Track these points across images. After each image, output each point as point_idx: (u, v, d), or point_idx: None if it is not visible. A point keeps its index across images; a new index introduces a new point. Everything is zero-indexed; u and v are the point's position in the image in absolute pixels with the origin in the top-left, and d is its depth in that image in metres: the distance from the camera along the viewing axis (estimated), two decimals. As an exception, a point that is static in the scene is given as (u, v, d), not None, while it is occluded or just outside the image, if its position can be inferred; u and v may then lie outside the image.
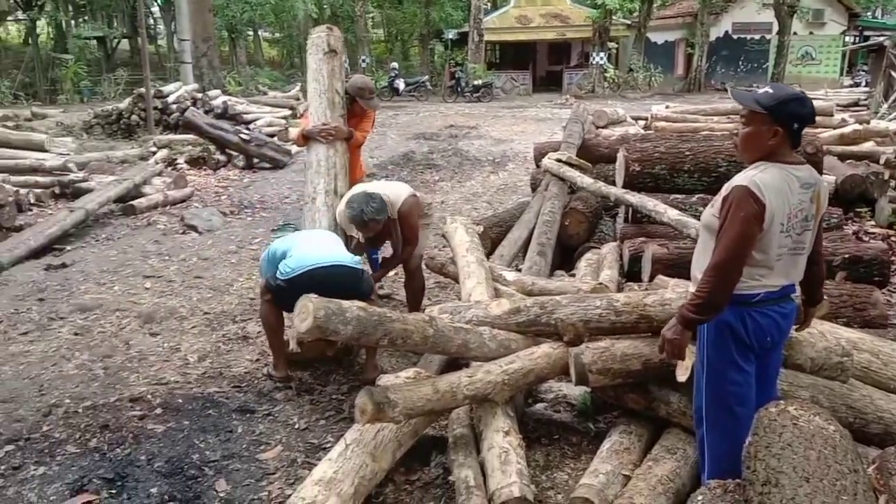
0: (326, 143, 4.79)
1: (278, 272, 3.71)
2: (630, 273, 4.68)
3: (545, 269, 4.60)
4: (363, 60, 29.18)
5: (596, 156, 6.61)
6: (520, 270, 4.61)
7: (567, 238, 5.37)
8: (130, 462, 3.15)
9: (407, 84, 25.58)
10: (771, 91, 2.40)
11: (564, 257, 5.35)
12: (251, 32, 32.61)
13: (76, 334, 4.66)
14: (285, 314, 3.90)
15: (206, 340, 4.57)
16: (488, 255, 4.84)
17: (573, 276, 4.77)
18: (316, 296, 2.91)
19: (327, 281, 3.55)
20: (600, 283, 3.99)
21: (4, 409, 3.67)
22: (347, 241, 4.47)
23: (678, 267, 4.25)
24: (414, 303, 4.69)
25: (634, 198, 4.92)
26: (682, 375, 2.88)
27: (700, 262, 2.49)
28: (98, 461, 3.17)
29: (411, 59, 36.86)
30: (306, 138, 4.87)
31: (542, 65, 31.76)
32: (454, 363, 3.68)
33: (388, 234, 4.55)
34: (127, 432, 3.39)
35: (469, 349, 3.11)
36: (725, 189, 2.41)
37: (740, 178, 2.37)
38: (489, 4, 31.59)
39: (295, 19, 29.66)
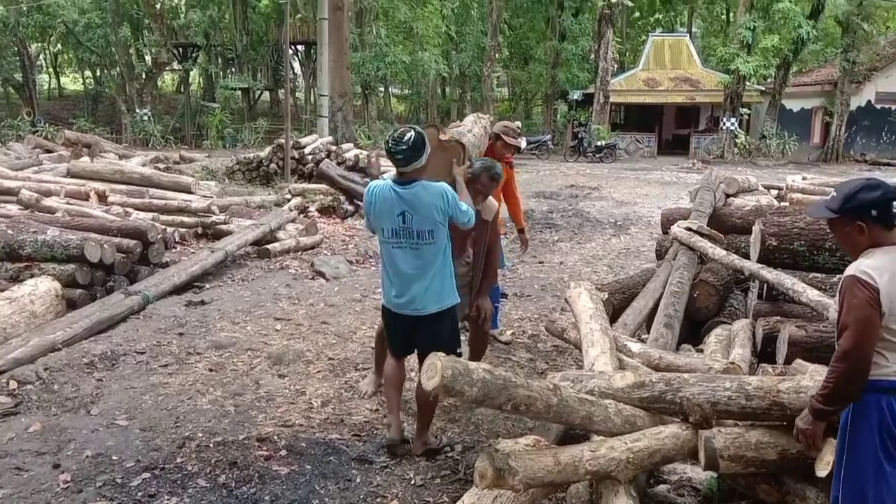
0: None
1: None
2: (763, 353, 4.45)
3: (672, 342, 4.46)
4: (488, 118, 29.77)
5: (728, 226, 6.40)
6: (644, 341, 4.49)
7: (695, 311, 5.19)
8: (255, 502, 3.28)
9: (529, 142, 25.84)
10: (836, 193, 2.45)
11: (691, 331, 5.16)
12: (382, 89, 34.09)
13: (211, 370, 4.94)
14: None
15: (329, 386, 4.72)
16: (611, 322, 4.75)
17: (701, 351, 4.59)
18: (444, 354, 2.96)
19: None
20: (732, 363, 3.82)
21: (143, 438, 3.92)
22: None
23: (817, 351, 4.01)
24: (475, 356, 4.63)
25: (771, 274, 4.71)
26: (821, 470, 2.70)
27: None
28: (226, 498, 3.32)
29: (534, 117, 37.29)
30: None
31: (669, 128, 31.30)
32: (570, 433, 3.62)
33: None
34: (254, 471, 3.53)
35: (593, 422, 3.05)
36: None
37: (848, 269, 2.38)
38: (616, 67, 31.63)
39: (425, 77, 30.78)
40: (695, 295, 5.21)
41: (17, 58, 29.82)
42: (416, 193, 3.55)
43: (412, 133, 3.50)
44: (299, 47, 31.01)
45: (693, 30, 38.28)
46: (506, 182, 5.43)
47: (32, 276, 6.01)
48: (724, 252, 5.41)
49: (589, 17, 31.81)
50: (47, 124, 24.46)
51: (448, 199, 3.58)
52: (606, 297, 5.10)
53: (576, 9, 31.87)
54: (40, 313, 5.53)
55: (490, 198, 4.44)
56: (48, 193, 9.45)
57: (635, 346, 4.06)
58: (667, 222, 6.71)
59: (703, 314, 5.23)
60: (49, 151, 15.78)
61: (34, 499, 3.29)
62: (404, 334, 3.85)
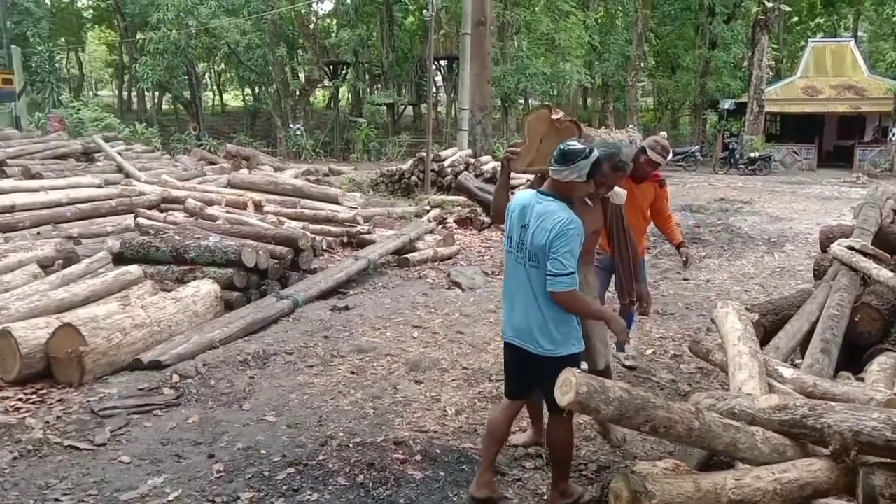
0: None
1: None
2: (936, 386, 4.04)
3: (829, 369, 4.14)
4: (630, 128, 29.11)
5: (896, 246, 5.87)
6: (797, 367, 4.20)
7: (855, 336, 4.78)
8: (391, 503, 3.36)
9: (675, 153, 24.93)
10: None
11: (851, 357, 4.76)
12: (522, 101, 34.17)
13: (352, 373, 5.13)
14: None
15: (463, 395, 4.77)
16: (761, 345, 4.48)
17: (861, 380, 4.23)
18: (579, 370, 2.91)
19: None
20: (898, 394, 3.49)
21: (289, 434, 4.13)
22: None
23: None
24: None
25: (947, 299, 4.27)
26: None
27: None
28: (363, 497, 3.44)
29: (680, 128, 36.00)
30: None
31: (830, 139, 29.14)
32: (713, 459, 3.44)
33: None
34: (390, 473, 3.63)
35: (738, 449, 2.89)
36: None
37: None
38: (772, 74, 29.93)
39: (566, 88, 30.56)
40: (856, 319, 4.80)
41: (186, 77, 32.62)
42: (542, 208, 3.20)
43: (577, 145, 3.19)
44: (442, 62, 31.72)
45: (859, 34, 35.53)
46: (655, 200, 5.18)
47: (195, 278, 6.52)
48: (890, 273, 4.97)
49: (742, 23, 30.35)
50: (211, 138, 26.49)
51: (556, 233, 3.09)
52: (757, 318, 4.82)
53: (728, 15, 30.51)
54: (201, 313, 5.98)
55: (616, 187, 4.00)
56: (210, 202, 10.24)
57: (787, 372, 3.81)
58: (826, 240, 6.25)
59: (864, 340, 4.80)
60: (212, 163, 17.11)
61: (191, 485, 3.56)
62: (515, 368, 3.48)
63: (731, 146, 25.28)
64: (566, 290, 3.10)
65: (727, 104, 28.91)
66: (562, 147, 3.19)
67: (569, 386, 2.81)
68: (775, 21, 29.25)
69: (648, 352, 5.84)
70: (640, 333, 6.27)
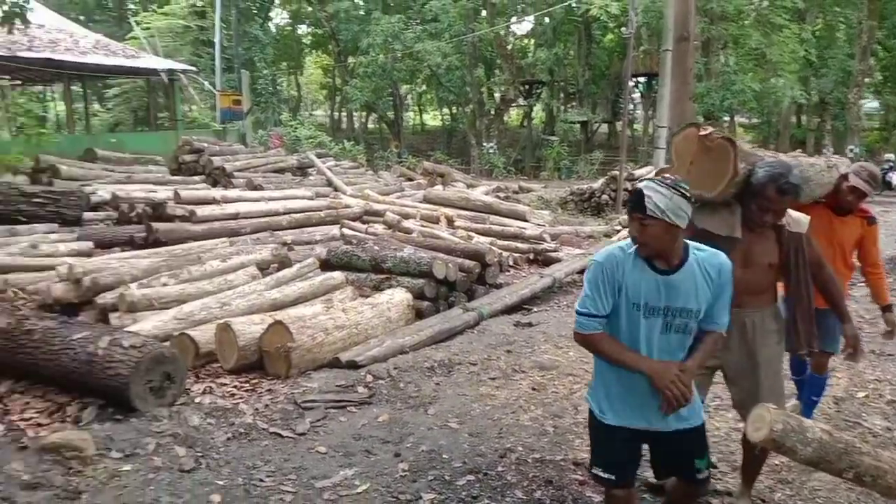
0: None
1: None
2: None
3: None
4: (850, 150, 26.55)
5: None
6: None
7: None
8: (567, 523, 3.36)
9: (906, 180, 22.39)
10: None
11: None
12: (728, 118, 32.45)
13: (533, 389, 5.17)
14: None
15: (646, 422, 4.63)
16: None
17: None
18: (774, 406, 2.74)
19: None
20: None
21: (471, 443, 4.25)
22: None
23: None
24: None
25: None
26: None
27: None
28: (540, 513, 3.45)
29: (914, 150, 32.32)
30: None
31: None
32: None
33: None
34: (567, 493, 3.62)
35: (963, 510, 2.57)
36: None
37: None
38: None
39: (777, 105, 28.57)
40: None
41: (391, 98, 34.61)
42: None
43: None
44: (640, 79, 30.98)
45: None
46: (860, 241, 4.26)
47: (390, 286, 6.91)
48: None
49: None
50: (410, 155, 27.83)
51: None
52: None
53: (974, 24, 27.02)
54: (394, 319, 6.31)
55: (795, 213, 3.37)
56: (407, 216, 10.78)
57: None
58: None
59: None
60: (410, 179, 17.99)
61: (378, 480, 3.77)
62: None
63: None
64: (577, 330, 2.70)
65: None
66: None
67: (762, 422, 2.66)
68: None
69: (860, 395, 5.31)
70: (850, 374, 5.73)
